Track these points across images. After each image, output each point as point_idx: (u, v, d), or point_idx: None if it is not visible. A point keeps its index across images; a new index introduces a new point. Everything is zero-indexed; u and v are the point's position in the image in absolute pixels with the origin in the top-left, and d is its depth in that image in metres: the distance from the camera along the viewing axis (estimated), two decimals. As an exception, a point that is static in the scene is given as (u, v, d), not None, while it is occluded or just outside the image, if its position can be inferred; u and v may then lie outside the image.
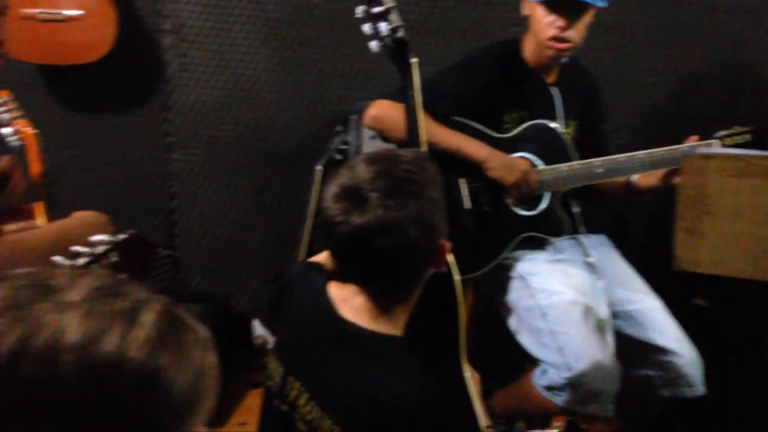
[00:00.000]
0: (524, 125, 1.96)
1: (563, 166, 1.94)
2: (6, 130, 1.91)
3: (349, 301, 1.12)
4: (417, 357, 1.07)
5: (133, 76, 2.66)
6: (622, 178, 2.00)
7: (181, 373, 0.59)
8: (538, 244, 1.95)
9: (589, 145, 2.05)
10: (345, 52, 2.65)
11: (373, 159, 1.11)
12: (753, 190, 1.59)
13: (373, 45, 1.60)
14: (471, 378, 1.39)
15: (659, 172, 1.91)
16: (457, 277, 1.40)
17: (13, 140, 1.90)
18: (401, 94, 1.89)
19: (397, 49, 1.57)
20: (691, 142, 1.90)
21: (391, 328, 1.12)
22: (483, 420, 1.36)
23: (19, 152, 1.94)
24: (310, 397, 1.11)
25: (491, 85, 1.92)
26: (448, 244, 1.14)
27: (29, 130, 1.91)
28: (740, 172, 1.61)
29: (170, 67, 2.65)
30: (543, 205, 1.97)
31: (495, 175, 1.88)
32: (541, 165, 1.95)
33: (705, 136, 1.93)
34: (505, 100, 1.95)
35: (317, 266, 1.24)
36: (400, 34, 1.57)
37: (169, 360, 0.59)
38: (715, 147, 1.87)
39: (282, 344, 1.25)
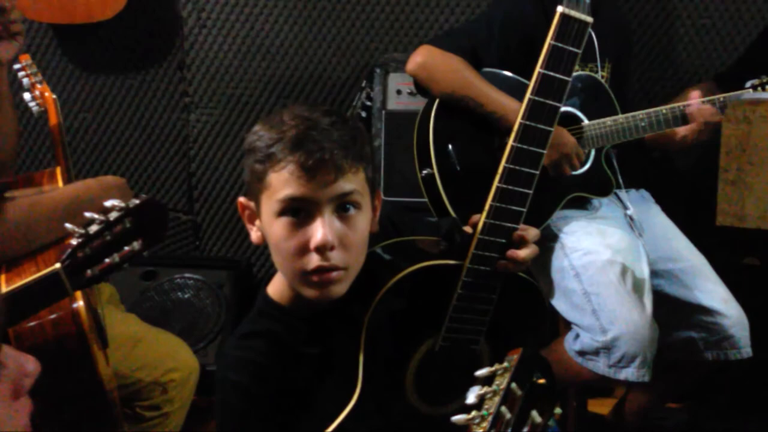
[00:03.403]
0: None
1: (608, 121, 1.94)
2: (27, 95, 2.00)
3: None
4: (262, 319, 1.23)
5: (149, 33, 2.73)
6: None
7: None
8: (575, 202, 1.97)
9: (619, 86, 2.04)
10: (370, 1, 2.67)
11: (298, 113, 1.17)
12: (802, 137, 1.58)
13: None
14: None
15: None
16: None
17: (33, 105, 1.99)
18: (450, 40, 1.91)
19: None
20: (695, 98, 1.89)
21: (273, 288, 1.27)
22: None
23: (40, 117, 2.03)
24: None
25: (534, 21, 1.90)
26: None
27: (49, 95, 1.99)
28: (788, 119, 1.60)
29: (187, 24, 2.71)
30: (589, 162, 1.97)
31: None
32: (585, 120, 1.96)
33: (737, 86, 1.93)
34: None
35: None
36: None
37: None
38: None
39: None
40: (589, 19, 1.18)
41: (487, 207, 1.22)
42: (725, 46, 2.62)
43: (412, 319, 1.25)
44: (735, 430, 2.31)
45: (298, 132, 1.13)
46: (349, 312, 1.22)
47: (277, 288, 1.27)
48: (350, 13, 2.69)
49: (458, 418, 0.91)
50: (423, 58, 1.87)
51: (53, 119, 1.94)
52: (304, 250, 1.13)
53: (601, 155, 1.99)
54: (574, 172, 1.95)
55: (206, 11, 2.70)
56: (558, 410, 2.30)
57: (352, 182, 1.14)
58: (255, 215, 1.21)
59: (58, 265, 1.28)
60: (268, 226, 1.17)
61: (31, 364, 0.73)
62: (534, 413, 0.93)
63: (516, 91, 1.86)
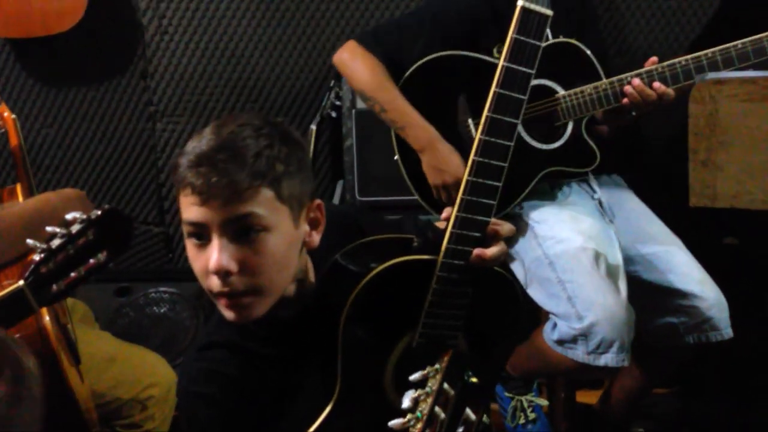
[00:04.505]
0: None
1: (587, 88, 1.93)
2: None
3: None
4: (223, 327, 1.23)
5: (109, 43, 2.74)
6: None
7: None
8: (544, 190, 2.00)
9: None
10: (333, -1, 2.70)
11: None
12: (768, 114, 1.62)
13: None
14: None
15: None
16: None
17: None
18: (375, 39, 1.96)
19: None
20: (651, 64, 1.88)
21: None
22: None
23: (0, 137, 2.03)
24: None
25: (475, 13, 1.94)
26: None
27: (8, 115, 1.99)
28: (754, 97, 1.64)
29: (148, 31, 2.72)
30: (565, 135, 1.97)
31: (424, 171, 1.95)
32: (561, 91, 1.95)
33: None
34: (487, 31, 1.96)
35: None
36: None
37: None
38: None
39: None
40: (549, 13, 1.23)
41: (458, 201, 1.24)
42: (681, 23, 2.67)
43: (389, 316, 1.25)
44: (723, 413, 2.36)
45: (200, 151, 1.11)
46: (313, 314, 1.23)
47: None
48: (314, 12, 2.71)
49: (394, 422, 0.94)
50: (345, 54, 1.98)
51: (14, 140, 1.94)
52: (208, 272, 1.13)
53: (581, 126, 1.98)
54: (548, 147, 1.96)
55: (167, 17, 2.71)
56: (545, 402, 2.34)
57: (252, 205, 1.10)
58: None
59: (21, 283, 1.29)
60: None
61: None
62: (468, 411, 0.96)
63: (478, 71, 1.91)
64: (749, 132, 1.65)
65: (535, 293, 1.91)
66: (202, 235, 1.13)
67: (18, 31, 2.57)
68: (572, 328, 1.80)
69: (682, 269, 1.91)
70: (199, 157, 1.10)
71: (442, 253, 1.23)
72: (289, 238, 1.16)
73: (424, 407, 0.92)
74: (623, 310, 1.80)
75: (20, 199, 1.67)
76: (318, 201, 1.24)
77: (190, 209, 1.11)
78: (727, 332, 1.89)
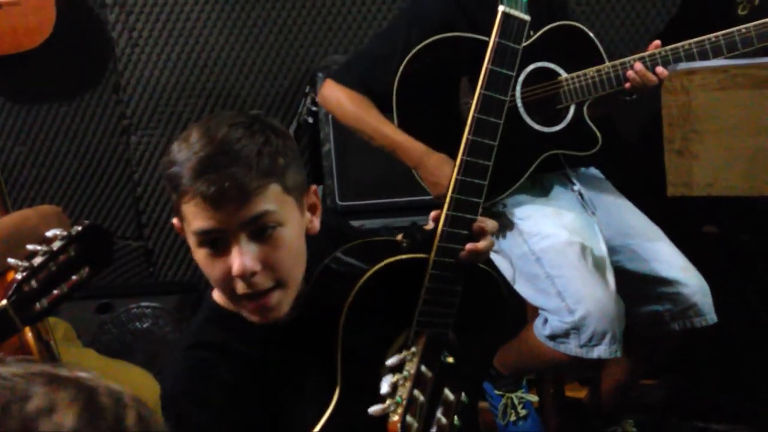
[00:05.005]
0: (542, 30, 1.94)
1: (590, 71, 1.93)
2: None
3: None
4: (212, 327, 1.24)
5: (80, 58, 2.74)
6: None
7: None
8: (524, 186, 2.02)
9: None
10: (305, 4, 2.71)
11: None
12: (740, 102, 1.66)
13: None
14: None
15: None
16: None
17: None
18: (349, 73, 2.01)
19: None
20: (654, 48, 1.89)
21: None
22: None
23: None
24: None
25: (445, 17, 1.94)
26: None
27: None
28: (724, 85, 1.68)
29: (119, 45, 2.72)
30: (567, 119, 1.98)
31: (424, 186, 1.98)
32: (563, 74, 1.96)
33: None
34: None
35: None
36: None
37: None
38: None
39: None
40: (527, 18, 1.31)
41: (448, 199, 1.29)
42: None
43: (385, 315, 1.28)
44: (710, 401, 2.40)
45: (199, 158, 1.11)
46: (307, 317, 1.24)
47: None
48: (286, 19, 2.72)
49: (374, 409, 0.96)
50: (325, 92, 2.05)
51: None
52: (228, 278, 1.14)
53: (583, 109, 1.98)
54: (549, 130, 1.97)
55: (137, 29, 2.71)
56: (535, 398, 2.36)
57: (264, 202, 1.12)
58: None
59: (4, 302, 1.29)
60: (194, 255, 1.18)
61: None
62: (446, 391, 0.99)
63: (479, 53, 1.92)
64: (722, 120, 1.69)
65: (524, 289, 1.94)
66: (216, 241, 1.13)
67: (-14, 50, 2.56)
68: (564, 322, 1.83)
69: (665, 257, 1.94)
70: (203, 164, 1.10)
71: (434, 251, 1.27)
72: (299, 227, 1.20)
73: (403, 391, 0.94)
74: (613, 302, 1.83)
75: (-3, 219, 1.66)
76: (313, 186, 1.27)
77: (201, 218, 1.11)
78: (711, 317, 1.93)
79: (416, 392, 0.94)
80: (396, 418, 0.92)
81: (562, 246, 1.89)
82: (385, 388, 0.95)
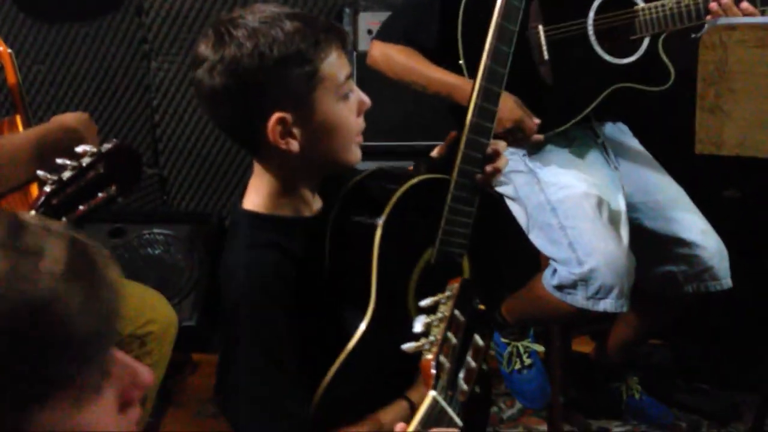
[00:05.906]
0: None
1: (670, 2, 1.87)
2: None
3: None
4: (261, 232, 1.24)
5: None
6: None
7: (87, 313, 0.62)
8: (549, 137, 2.02)
9: None
10: (334, -63, 2.68)
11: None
12: (778, 61, 1.65)
13: None
14: None
15: None
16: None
17: None
18: (392, 30, 2.01)
19: None
20: None
21: (252, 203, 1.27)
22: None
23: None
24: None
25: None
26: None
27: (4, 50, 1.99)
28: (764, 42, 1.67)
29: (143, -35, 2.70)
30: (640, 51, 1.94)
31: None
32: (641, 3, 1.91)
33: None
34: None
35: None
36: None
37: (75, 298, 0.61)
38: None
39: None
40: None
41: (467, 123, 1.35)
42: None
43: (413, 233, 1.35)
44: (719, 364, 2.43)
45: (303, 18, 1.18)
46: (339, 228, 1.29)
47: (256, 201, 1.27)
48: (315, -49, 2.69)
49: (408, 346, 1.00)
50: (373, 53, 2.04)
51: (11, 78, 1.94)
52: (356, 121, 1.27)
53: (658, 42, 1.94)
54: (620, 61, 1.93)
55: (163, -48, 2.69)
56: (541, 348, 2.40)
57: None
58: (291, 126, 1.20)
59: (32, 213, 1.31)
60: (329, 117, 1.22)
61: (144, 376, 0.69)
62: (476, 337, 1.04)
63: None
64: (759, 79, 1.68)
65: (537, 239, 1.96)
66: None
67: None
68: (572, 273, 1.85)
69: (685, 218, 1.95)
70: (309, 21, 1.18)
71: (455, 171, 1.35)
72: None
73: (437, 332, 0.98)
74: (624, 257, 1.84)
75: (20, 129, 1.68)
76: None
77: (345, 66, 1.22)
78: (727, 282, 1.94)
79: (449, 334, 0.99)
80: (430, 356, 0.96)
81: (578, 197, 1.90)
82: (418, 327, 0.99)
